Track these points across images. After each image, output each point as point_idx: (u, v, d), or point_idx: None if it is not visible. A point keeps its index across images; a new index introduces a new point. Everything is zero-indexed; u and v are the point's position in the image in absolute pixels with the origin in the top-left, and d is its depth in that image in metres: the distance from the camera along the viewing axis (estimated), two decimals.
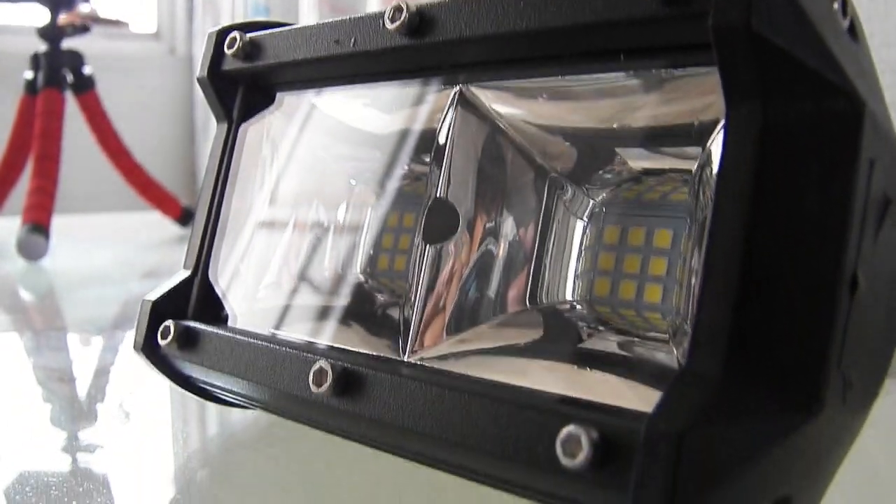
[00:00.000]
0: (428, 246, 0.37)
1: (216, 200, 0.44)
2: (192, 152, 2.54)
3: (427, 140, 0.41)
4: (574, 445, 0.25)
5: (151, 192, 1.49)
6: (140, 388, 0.57)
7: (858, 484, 0.38)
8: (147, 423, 0.51)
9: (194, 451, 0.46)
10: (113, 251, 1.35)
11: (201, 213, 0.44)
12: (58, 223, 1.22)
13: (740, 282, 0.25)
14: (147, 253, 1.39)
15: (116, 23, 2.42)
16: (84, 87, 1.44)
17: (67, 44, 1.40)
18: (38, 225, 1.16)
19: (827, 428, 0.26)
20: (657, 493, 0.23)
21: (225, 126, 0.45)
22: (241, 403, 0.42)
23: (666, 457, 0.23)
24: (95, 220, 1.79)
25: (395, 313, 0.40)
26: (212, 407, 0.51)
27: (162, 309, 0.42)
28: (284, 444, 0.45)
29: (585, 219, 0.36)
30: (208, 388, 0.42)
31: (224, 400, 0.44)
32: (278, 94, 0.45)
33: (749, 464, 0.24)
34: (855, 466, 0.39)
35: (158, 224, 1.52)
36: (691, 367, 0.25)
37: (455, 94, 0.37)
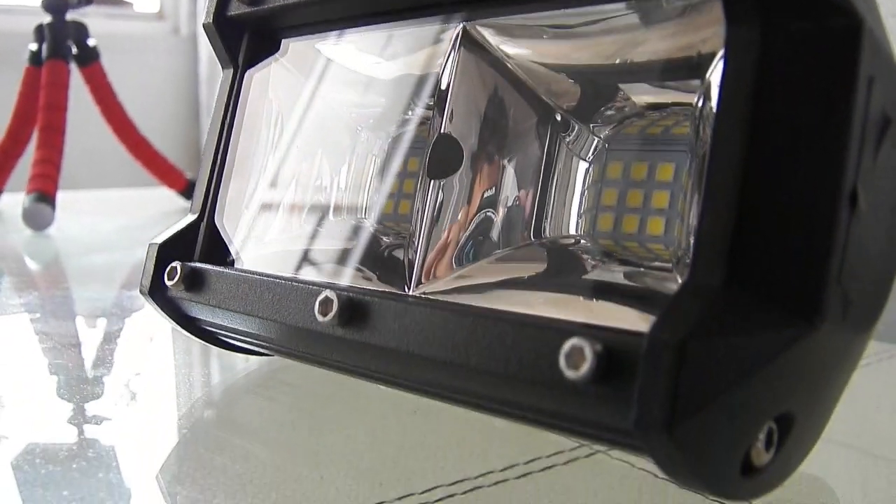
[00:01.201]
0: (431, 183, 0.37)
1: (222, 146, 0.44)
2: (197, 132, 2.54)
3: (432, 83, 0.41)
4: (577, 357, 0.25)
5: (156, 164, 1.49)
6: (146, 361, 0.58)
7: (863, 446, 0.39)
8: (153, 381, 0.51)
9: (199, 398, 0.46)
10: (118, 222, 1.36)
11: (207, 159, 0.44)
12: (62, 198, 1.22)
13: (740, 196, 0.25)
14: (153, 224, 1.39)
15: (120, 2, 2.43)
16: (88, 58, 1.43)
17: (71, 16, 1.40)
18: (43, 194, 1.16)
19: (828, 343, 0.26)
20: (659, 402, 0.23)
21: (230, 72, 0.45)
22: (247, 345, 0.42)
23: (668, 365, 0.23)
24: (100, 195, 1.78)
25: (400, 254, 0.40)
26: (216, 360, 0.52)
27: (168, 252, 0.42)
28: (290, 389, 0.46)
29: (589, 157, 0.37)
30: (214, 330, 0.42)
31: (230, 344, 0.44)
32: (283, 41, 0.45)
33: (751, 374, 0.24)
34: (859, 427, 0.39)
35: (164, 198, 1.53)
36: (693, 281, 0.25)
37: (458, 33, 0.38)
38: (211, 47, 0.45)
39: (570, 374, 0.25)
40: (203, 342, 0.44)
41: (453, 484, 0.33)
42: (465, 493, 0.32)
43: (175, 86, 2.53)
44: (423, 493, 0.32)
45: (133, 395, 0.47)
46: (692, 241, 0.26)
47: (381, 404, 0.43)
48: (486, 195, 0.37)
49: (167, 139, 1.92)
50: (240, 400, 0.46)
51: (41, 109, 1.30)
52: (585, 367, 0.25)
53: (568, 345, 0.25)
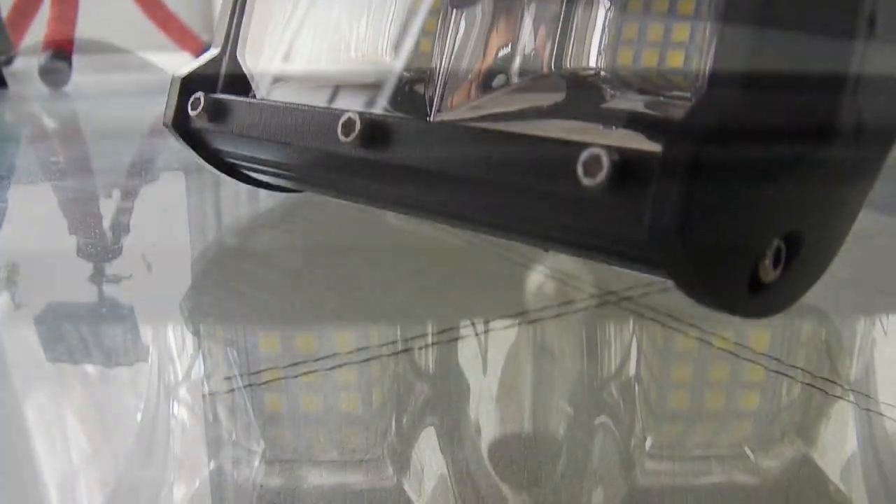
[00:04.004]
0: (454, 13, 0.37)
1: None
2: (210, 6, 2.50)
3: None
4: (595, 165, 0.26)
5: (171, 26, 1.48)
6: (163, 208, 0.58)
7: (866, 280, 0.39)
8: (170, 225, 0.52)
9: (216, 237, 0.47)
10: (136, 80, 1.35)
11: None
12: (76, 62, 1.21)
13: (760, 14, 0.25)
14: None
15: None
16: None
17: None
18: (59, 51, 1.16)
19: (838, 164, 0.27)
20: (673, 206, 0.24)
21: None
22: (268, 176, 0.42)
23: (683, 169, 0.24)
24: (115, 58, 1.77)
25: (421, 90, 0.40)
26: (231, 200, 0.52)
27: (191, 85, 0.43)
28: (305, 224, 0.47)
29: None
30: (236, 161, 0.43)
31: (251, 177, 0.45)
32: None
33: (764, 185, 0.25)
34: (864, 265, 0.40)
35: (179, 63, 1.52)
36: (710, 93, 0.26)
37: None
38: None
39: (586, 181, 0.26)
40: (224, 176, 0.45)
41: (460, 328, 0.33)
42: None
43: None
44: (438, 333, 0.33)
45: (151, 241, 0.47)
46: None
47: (399, 244, 0.43)
48: (507, 29, 0.38)
49: (180, 11, 1.90)
50: (259, 234, 0.47)
51: None
52: (602, 175, 0.25)
53: (586, 154, 0.26)
